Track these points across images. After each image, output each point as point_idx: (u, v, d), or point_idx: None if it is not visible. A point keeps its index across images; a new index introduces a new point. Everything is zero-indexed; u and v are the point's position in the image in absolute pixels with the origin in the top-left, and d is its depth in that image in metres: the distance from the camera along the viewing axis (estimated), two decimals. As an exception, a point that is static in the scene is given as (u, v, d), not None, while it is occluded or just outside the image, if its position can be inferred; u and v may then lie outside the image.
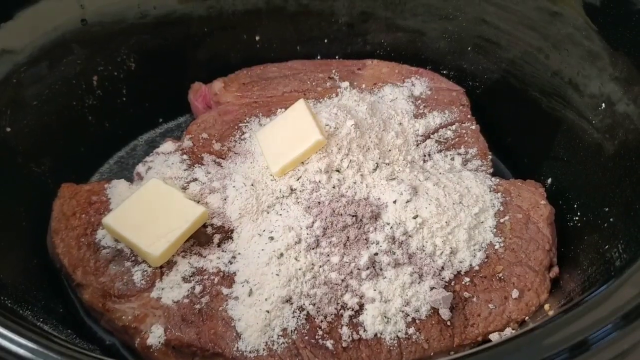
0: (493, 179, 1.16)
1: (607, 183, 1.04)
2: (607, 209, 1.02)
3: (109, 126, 1.30)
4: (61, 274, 1.07)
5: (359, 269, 1.00)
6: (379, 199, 1.08)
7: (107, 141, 1.32)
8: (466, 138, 1.23)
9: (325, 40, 1.39)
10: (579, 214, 1.10)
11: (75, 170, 1.24)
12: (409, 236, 1.04)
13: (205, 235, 1.06)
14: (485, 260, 1.05)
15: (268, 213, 1.08)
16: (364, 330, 0.96)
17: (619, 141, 1.04)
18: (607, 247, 0.95)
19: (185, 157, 1.16)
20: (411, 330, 0.97)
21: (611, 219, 0.99)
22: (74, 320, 1.06)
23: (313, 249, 1.02)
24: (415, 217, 1.04)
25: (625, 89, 1.04)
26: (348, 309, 0.97)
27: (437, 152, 1.21)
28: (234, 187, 1.09)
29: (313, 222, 1.04)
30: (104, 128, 1.29)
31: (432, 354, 0.96)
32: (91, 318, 1.06)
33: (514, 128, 1.30)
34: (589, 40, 1.10)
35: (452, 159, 1.20)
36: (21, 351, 0.69)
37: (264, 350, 0.93)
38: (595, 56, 1.10)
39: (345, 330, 0.95)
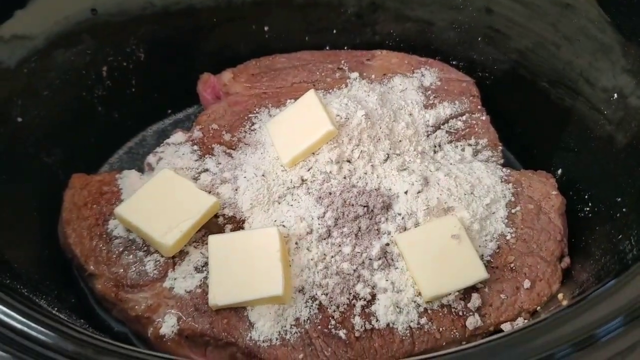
0: (504, 169, 1.15)
1: (619, 174, 1.04)
2: (619, 199, 1.01)
3: (118, 117, 1.30)
4: (73, 264, 1.07)
5: (370, 259, 1.00)
6: (390, 189, 1.08)
7: (117, 131, 1.31)
8: (476, 129, 1.23)
9: (334, 31, 1.38)
10: (590, 204, 1.10)
11: (85, 161, 1.24)
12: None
13: (217, 226, 1.06)
14: (497, 250, 1.05)
15: (279, 203, 1.08)
16: (377, 320, 0.96)
17: (631, 132, 1.03)
18: (620, 237, 0.95)
19: (195, 147, 1.16)
20: (423, 320, 0.97)
21: (624, 209, 0.99)
22: (86, 310, 1.06)
23: (325, 239, 1.02)
24: (426, 208, 1.05)
25: (638, 80, 1.03)
26: (360, 299, 0.97)
27: (448, 143, 1.21)
28: (245, 177, 1.09)
29: (324, 213, 1.04)
30: (113, 118, 1.29)
31: (444, 343, 0.97)
32: (102, 308, 1.07)
33: (524, 119, 1.30)
34: (602, 32, 1.10)
35: (463, 149, 1.20)
36: (42, 338, 0.70)
37: (277, 339, 0.94)
38: (608, 48, 1.09)
39: (357, 320, 0.96)
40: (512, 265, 1.04)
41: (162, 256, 1.02)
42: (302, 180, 1.10)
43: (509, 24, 1.26)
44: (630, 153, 1.03)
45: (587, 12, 1.11)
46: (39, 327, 0.71)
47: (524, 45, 1.26)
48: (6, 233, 1.02)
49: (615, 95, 1.08)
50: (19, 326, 0.71)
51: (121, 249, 1.03)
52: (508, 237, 1.06)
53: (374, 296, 0.98)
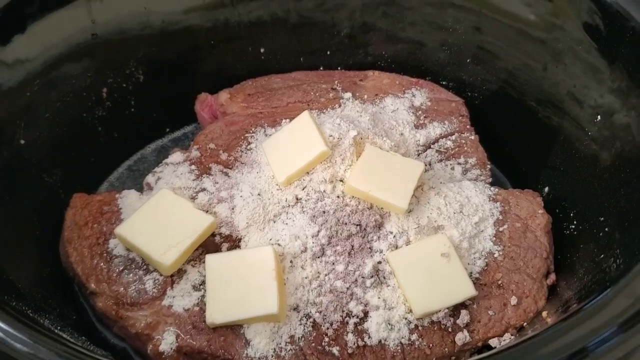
0: (492, 188, 1.19)
1: (603, 193, 1.08)
2: (602, 219, 1.05)
3: (117, 136, 1.33)
4: (74, 282, 1.10)
5: (363, 277, 1.04)
6: (382, 208, 1.12)
7: (116, 150, 1.35)
8: (465, 148, 1.27)
9: (328, 52, 1.42)
10: (575, 222, 1.14)
11: (85, 180, 1.28)
12: (412, 245, 1.07)
13: (214, 244, 1.09)
14: (485, 267, 1.08)
15: (274, 222, 1.11)
16: (369, 337, 0.99)
17: (614, 152, 1.07)
18: (602, 256, 0.99)
19: (193, 167, 1.19)
20: (414, 337, 1.00)
21: (606, 229, 1.03)
22: (87, 327, 1.09)
23: (319, 257, 1.05)
24: (417, 227, 1.08)
25: (622, 101, 1.07)
26: (353, 317, 1.01)
27: (438, 162, 1.24)
28: (241, 196, 1.12)
29: (318, 231, 1.07)
30: (112, 138, 1.32)
31: (434, 359, 1.00)
32: (103, 324, 1.10)
33: (512, 138, 1.34)
34: (587, 54, 1.14)
35: (452, 168, 1.24)
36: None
37: (272, 356, 0.97)
38: (593, 69, 1.13)
39: (350, 337, 0.99)
40: (499, 282, 1.07)
41: (161, 275, 1.05)
42: (297, 199, 1.13)
43: (497, 46, 1.30)
44: (614, 173, 1.07)
45: (573, 33, 1.15)
46: (45, 349, 0.74)
47: (512, 66, 1.30)
48: (9, 252, 1.05)
49: (600, 115, 1.12)
50: (25, 349, 0.74)
51: (121, 268, 1.06)
52: (496, 255, 1.10)
53: (366, 313, 1.01)
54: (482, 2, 1.27)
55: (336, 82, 1.36)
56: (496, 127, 1.34)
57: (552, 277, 1.10)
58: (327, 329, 1.00)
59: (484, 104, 1.37)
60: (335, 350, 0.98)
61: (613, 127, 1.09)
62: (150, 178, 1.18)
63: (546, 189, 1.24)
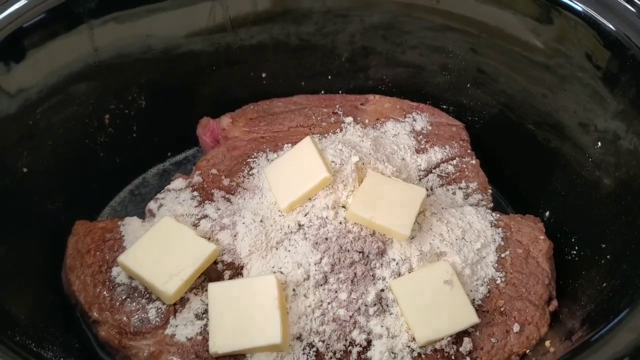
0: (494, 214, 1.19)
1: (604, 219, 1.08)
2: (604, 246, 1.06)
3: (119, 161, 1.33)
4: (76, 310, 1.10)
5: (366, 305, 1.04)
6: (384, 234, 1.12)
7: (118, 175, 1.35)
8: (467, 172, 1.27)
9: (329, 76, 1.43)
10: (576, 248, 1.15)
11: (87, 205, 1.28)
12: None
13: (216, 272, 1.09)
14: (488, 294, 1.09)
15: (277, 249, 1.11)
16: (372, 366, 0.99)
17: (615, 179, 1.08)
18: (604, 284, 0.99)
19: (195, 193, 1.19)
20: (417, 365, 1.00)
21: (608, 256, 1.03)
22: (90, 355, 1.09)
23: (321, 285, 1.05)
24: (420, 253, 1.08)
25: (623, 128, 1.08)
26: (356, 345, 1.01)
27: (439, 187, 1.25)
28: (243, 223, 1.12)
29: (321, 259, 1.07)
30: (114, 163, 1.33)
31: (437, 387, 1.00)
32: (106, 352, 1.09)
33: (512, 162, 1.34)
34: (589, 79, 1.14)
35: (454, 193, 1.24)
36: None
37: (276, 386, 0.97)
38: (595, 95, 1.14)
39: (353, 366, 0.99)
40: (502, 309, 1.07)
41: (163, 303, 1.05)
42: (299, 225, 1.13)
43: (497, 71, 1.31)
44: (615, 200, 1.07)
45: (574, 59, 1.16)
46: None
47: (513, 91, 1.30)
48: (10, 281, 1.05)
49: (601, 141, 1.13)
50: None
51: (124, 297, 1.06)
52: (498, 282, 1.10)
53: (369, 342, 1.01)
54: (482, 27, 1.28)
55: (337, 106, 1.37)
56: (496, 150, 1.35)
57: (554, 303, 1.10)
58: (331, 358, 1.00)
59: (485, 128, 1.38)
60: (338, 380, 0.98)
61: (615, 153, 1.10)
62: (152, 205, 1.18)
63: (547, 214, 1.25)
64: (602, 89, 1.11)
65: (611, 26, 1.07)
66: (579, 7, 1.10)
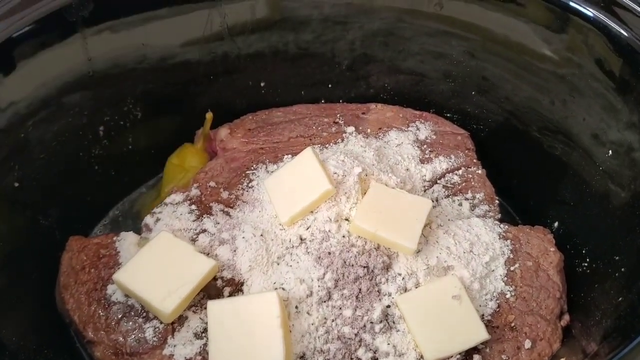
0: (502, 225, 1.16)
1: (617, 231, 1.05)
2: (617, 258, 1.02)
3: (114, 174, 1.30)
4: (71, 330, 1.06)
5: (372, 322, 1.00)
6: (389, 248, 1.08)
7: (113, 188, 1.31)
8: (473, 183, 1.24)
9: (329, 85, 1.40)
10: (588, 260, 1.11)
11: (81, 219, 1.24)
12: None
13: (216, 288, 1.05)
14: (497, 309, 1.05)
15: (278, 264, 1.07)
16: (379, 385, 0.96)
17: (628, 190, 1.04)
18: (620, 299, 0.95)
19: (193, 207, 1.16)
20: (426, 384, 0.96)
21: (622, 269, 1.00)
22: (85, 375, 1.05)
23: (325, 302, 1.02)
24: (426, 267, 1.05)
25: (635, 137, 1.05)
26: (362, 364, 0.97)
27: (445, 198, 1.21)
28: (243, 237, 1.09)
29: (324, 274, 1.03)
30: (110, 176, 1.29)
31: (447, 406, 0.96)
32: (101, 373, 1.05)
33: (519, 171, 1.31)
34: (599, 87, 1.11)
35: (460, 204, 1.21)
36: None
37: (279, 408, 0.93)
38: (604, 103, 1.10)
39: (360, 386, 0.95)
40: (512, 324, 1.04)
41: (161, 322, 1.01)
42: (301, 239, 1.09)
43: (502, 79, 1.28)
44: (628, 211, 1.04)
45: (585, 67, 1.12)
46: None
47: (519, 98, 1.27)
48: (1, 300, 1.01)
49: (610, 151, 1.09)
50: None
51: (120, 315, 1.02)
52: (508, 296, 1.06)
53: (375, 360, 0.98)
54: (486, 33, 1.25)
55: (338, 115, 1.34)
56: (503, 159, 1.32)
57: (566, 317, 1.06)
58: (336, 378, 0.96)
59: (490, 136, 1.35)
60: (344, 401, 0.94)
61: (625, 163, 1.06)
62: (149, 219, 1.15)
63: (556, 224, 1.21)
64: (614, 97, 1.07)
65: (623, 32, 1.03)
66: (589, 12, 1.07)
